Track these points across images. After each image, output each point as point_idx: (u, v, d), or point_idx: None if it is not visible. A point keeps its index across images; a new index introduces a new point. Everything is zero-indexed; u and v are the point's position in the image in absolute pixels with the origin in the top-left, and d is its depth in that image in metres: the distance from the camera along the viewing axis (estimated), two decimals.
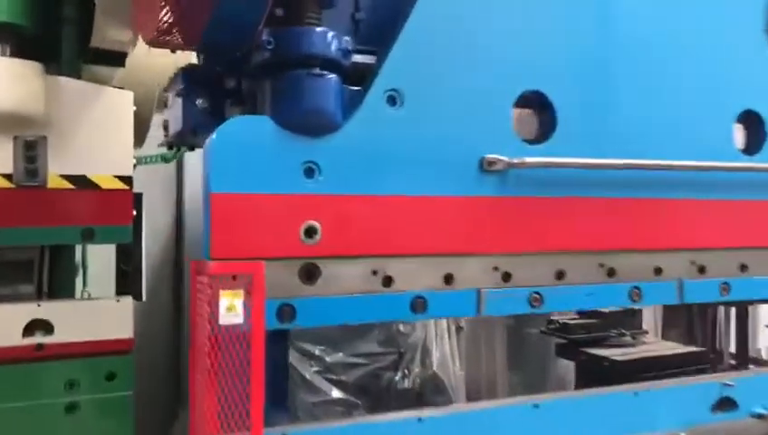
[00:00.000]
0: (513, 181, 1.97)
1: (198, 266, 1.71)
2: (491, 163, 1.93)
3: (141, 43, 3.24)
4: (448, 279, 1.91)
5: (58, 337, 2.46)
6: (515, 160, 1.95)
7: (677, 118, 2.19)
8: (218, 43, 1.74)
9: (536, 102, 2.04)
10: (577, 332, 4.05)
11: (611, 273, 2.12)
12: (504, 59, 1.98)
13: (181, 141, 2.28)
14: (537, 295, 2.01)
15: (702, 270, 2.26)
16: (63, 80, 2.58)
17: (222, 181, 1.67)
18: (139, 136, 3.35)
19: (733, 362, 5.89)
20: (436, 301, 1.89)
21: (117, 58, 3.00)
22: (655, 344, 4.34)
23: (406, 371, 3.34)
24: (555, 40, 2.05)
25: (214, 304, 1.61)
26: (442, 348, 3.35)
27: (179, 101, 2.07)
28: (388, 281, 1.84)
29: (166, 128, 2.33)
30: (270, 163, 1.72)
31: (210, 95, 2.05)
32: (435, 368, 3.36)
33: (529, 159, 1.96)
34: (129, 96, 2.95)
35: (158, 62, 3.20)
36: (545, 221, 2.03)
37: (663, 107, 2.17)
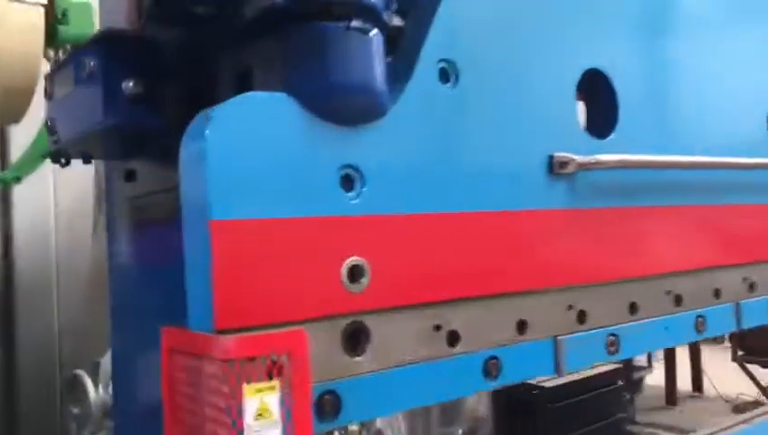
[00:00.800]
0: (581, 188, 1.47)
1: (190, 344, 1.02)
2: (562, 164, 1.41)
3: None
4: (522, 327, 1.36)
5: None
6: (589, 160, 1.44)
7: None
8: None
9: (593, 86, 1.55)
10: None
11: (678, 301, 1.68)
12: (567, 23, 1.48)
13: (87, 147, 1.54)
14: (613, 338, 1.52)
15: (752, 287, 1.89)
16: None
17: (229, 200, 1.00)
18: None
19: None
20: (511, 359, 1.33)
21: None
22: None
23: (343, 431, 2.71)
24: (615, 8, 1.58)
25: (235, 410, 0.94)
26: None
27: (92, 84, 1.36)
28: (453, 338, 1.25)
29: (53, 130, 1.57)
30: (296, 169, 1.07)
31: (143, 75, 1.36)
32: (378, 425, 2.76)
33: (605, 158, 1.47)
34: None
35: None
36: (615, 240, 1.54)
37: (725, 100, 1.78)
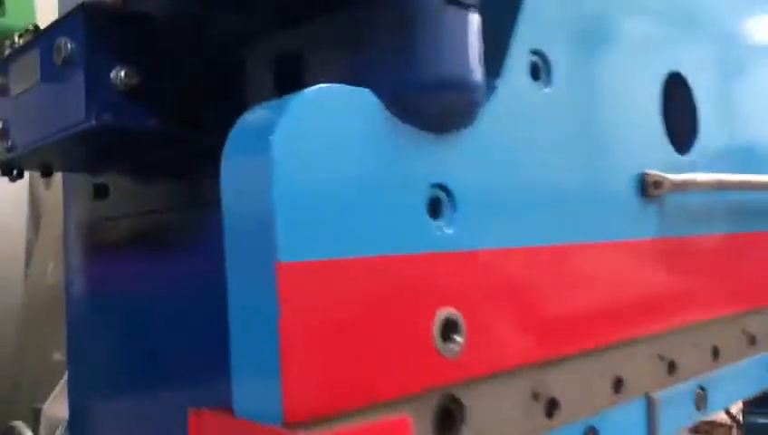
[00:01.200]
0: (671, 213, 1.23)
1: None
2: (657, 184, 1.16)
3: None
4: (618, 385, 1.10)
5: None
6: (684, 179, 1.20)
7: None
8: None
9: (671, 93, 1.32)
10: None
11: (752, 341, 1.46)
12: (654, 11, 1.24)
13: (51, 156, 1.20)
14: (701, 391, 1.28)
15: None
16: None
17: (303, 235, 0.70)
18: None
19: None
20: (607, 428, 1.06)
21: None
22: None
23: None
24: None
25: None
26: None
27: (70, 74, 1.03)
28: (552, 406, 0.98)
29: (5, 134, 1.23)
30: (382, 190, 0.78)
31: (138, 62, 1.04)
32: None
33: (701, 178, 1.23)
34: None
35: None
36: (701, 274, 1.31)
37: None
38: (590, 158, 1.07)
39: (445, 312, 0.83)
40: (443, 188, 0.85)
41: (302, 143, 0.71)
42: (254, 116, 0.75)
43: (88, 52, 1.01)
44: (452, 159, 0.86)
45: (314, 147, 0.72)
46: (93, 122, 0.99)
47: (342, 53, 0.88)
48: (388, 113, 0.80)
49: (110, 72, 1.02)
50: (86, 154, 1.21)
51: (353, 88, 0.77)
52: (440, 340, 0.82)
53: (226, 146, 0.75)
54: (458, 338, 0.84)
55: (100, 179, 1.39)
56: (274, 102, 0.74)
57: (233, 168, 0.73)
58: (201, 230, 1.19)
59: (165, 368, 1.25)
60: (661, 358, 1.19)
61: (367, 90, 0.78)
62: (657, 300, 1.17)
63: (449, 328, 0.83)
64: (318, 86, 0.74)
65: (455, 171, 0.86)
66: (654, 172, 1.16)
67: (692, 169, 1.27)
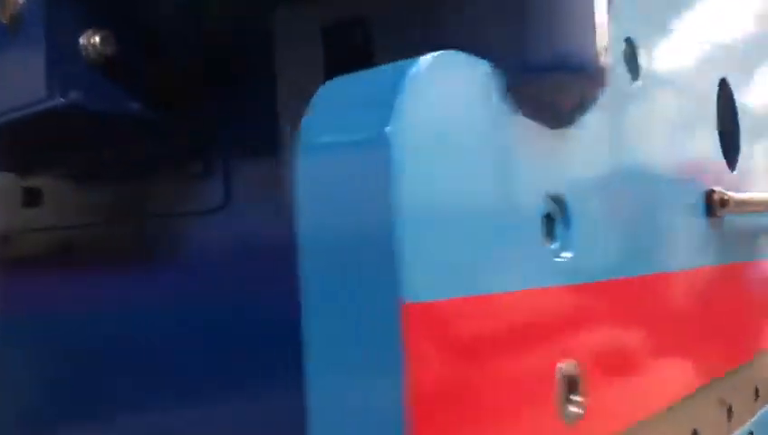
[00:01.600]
0: (727, 236, 1.08)
1: None
2: (723, 202, 1.01)
3: None
4: None
5: None
6: (746, 198, 1.06)
7: None
8: None
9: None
10: None
11: None
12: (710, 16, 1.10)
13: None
14: None
15: None
16: None
17: (435, 267, 0.48)
18: None
19: None
20: None
21: None
22: None
23: None
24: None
25: None
26: None
27: (21, 38, 0.77)
28: None
29: None
30: (506, 201, 0.57)
31: (115, 26, 0.78)
32: None
33: (759, 197, 1.10)
34: None
35: None
36: (748, 305, 1.17)
37: None
38: (670, 166, 0.91)
39: (565, 364, 0.63)
40: (557, 200, 0.65)
41: (425, 136, 0.49)
42: (344, 93, 0.52)
43: (49, 8, 0.75)
44: (564, 162, 0.67)
45: (437, 142, 0.50)
46: (61, 100, 0.73)
47: (419, 23, 0.67)
48: (507, 98, 0.59)
49: (80, 36, 0.76)
50: (26, 147, 0.93)
51: (476, 59, 0.56)
52: (563, 401, 0.62)
53: (303, 136, 0.51)
54: (578, 398, 0.64)
55: (32, 182, 1.11)
56: (374, 72, 0.52)
57: (318, 170, 0.50)
58: (151, 245, 0.96)
59: (107, 401, 1.01)
60: (722, 402, 1.03)
61: (486, 62, 0.57)
62: (723, 337, 1.02)
63: (574, 384, 0.63)
64: (439, 53, 0.52)
65: (567, 178, 0.67)
66: (720, 190, 1.00)
67: (742, 187, 1.14)
